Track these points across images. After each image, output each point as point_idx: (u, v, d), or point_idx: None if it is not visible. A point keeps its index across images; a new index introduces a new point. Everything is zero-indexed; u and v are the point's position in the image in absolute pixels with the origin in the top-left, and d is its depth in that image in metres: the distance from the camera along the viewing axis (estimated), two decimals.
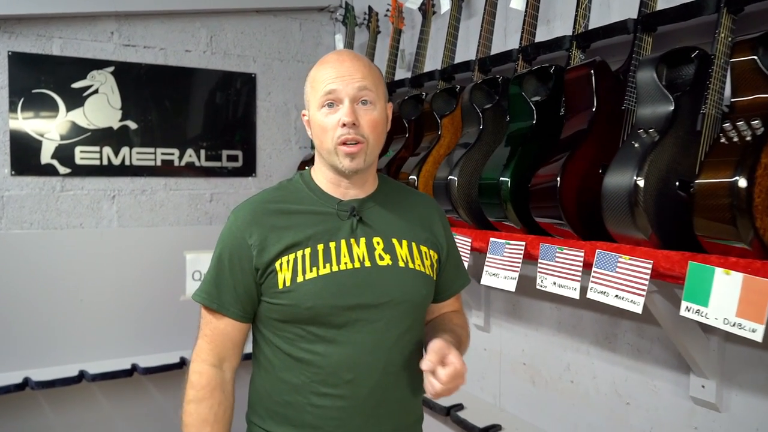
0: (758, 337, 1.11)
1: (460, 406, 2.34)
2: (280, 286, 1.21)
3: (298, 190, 1.29)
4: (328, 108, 1.21)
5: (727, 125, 1.20)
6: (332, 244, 1.22)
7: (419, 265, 1.28)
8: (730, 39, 1.35)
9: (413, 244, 1.29)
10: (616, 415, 1.88)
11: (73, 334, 2.76)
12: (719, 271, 1.18)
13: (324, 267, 1.21)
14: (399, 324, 1.25)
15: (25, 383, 2.57)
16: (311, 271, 1.20)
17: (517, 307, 2.26)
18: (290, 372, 1.24)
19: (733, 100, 1.24)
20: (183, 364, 2.81)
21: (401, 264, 1.25)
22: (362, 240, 1.24)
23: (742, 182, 1.12)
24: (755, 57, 1.19)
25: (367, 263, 1.23)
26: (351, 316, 1.21)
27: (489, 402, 2.37)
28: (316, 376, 1.22)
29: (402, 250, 1.27)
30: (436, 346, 1.16)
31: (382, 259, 1.24)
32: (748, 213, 1.11)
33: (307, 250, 1.21)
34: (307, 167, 1.36)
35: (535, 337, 2.18)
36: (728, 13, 1.36)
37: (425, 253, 1.30)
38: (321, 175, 1.28)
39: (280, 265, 1.21)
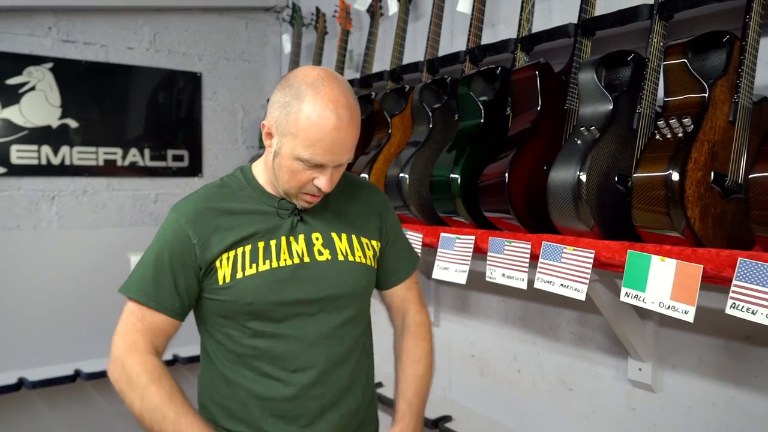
0: (690, 318, 1.20)
1: None
2: (220, 282, 1.22)
3: (240, 188, 1.29)
4: (306, 164, 1.17)
5: (661, 123, 1.29)
6: (272, 242, 1.24)
7: (360, 257, 1.31)
8: (662, 44, 1.45)
9: (353, 236, 1.32)
10: (560, 402, 1.97)
11: (12, 339, 2.65)
12: (655, 259, 1.27)
13: (263, 264, 1.22)
14: (339, 316, 1.29)
15: None
16: (251, 267, 1.22)
17: (466, 302, 2.33)
18: (235, 367, 1.26)
19: (666, 99, 1.34)
20: None
21: (341, 258, 1.29)
22: (301, 236, 1.27)
23: (675, 175, 1.21)
24: (685, 60, 1.29)
25: (306, 259, 1.26)
26: (291, 311, 1.24)
27: (439, 395, 2.43)
28: (259, 371, 1.24)
29: (342, 244, 1.30)
30: None
31: (321, 254, 1.27)
32: (681, 204, 1.20)
33: (248, 248, 1.23)
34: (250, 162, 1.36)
35: (483, 330, 2.26)
36: (660, 19, 1.46)
37: (366, 244, 1.34)
38: (263, 173, 1.29)
39: (221, 261, 1.22)
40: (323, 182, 1.18)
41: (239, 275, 1.21)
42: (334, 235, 1.30)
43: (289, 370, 1.24)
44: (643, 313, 1.67)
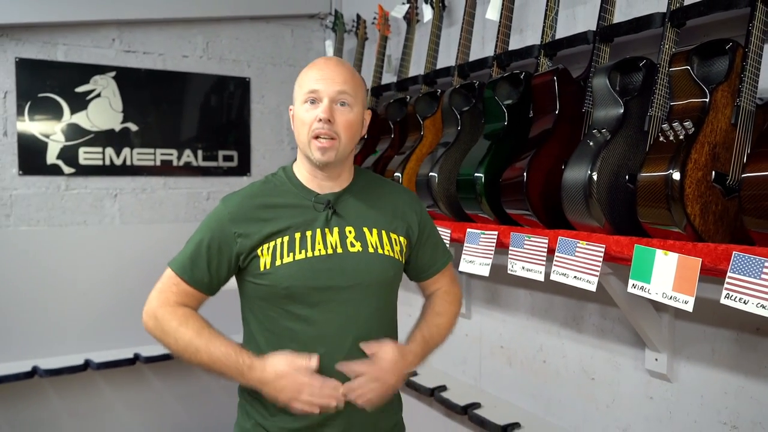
0: (689, 307, 1.29)
1: (443, 387, 2.51)
2: (261, 268, 1.37)
3: (281, 184, 1.45)
4: (309, 104, 1.36)
5: (665, 126, 1.38)
6: (308, 233, 1.39)
7: (388, 251, 1.45)
8: (673, 49, 1.53)
9: (383, 231, 1.45)
10: (582, 390, 2.06)
11: (79, 325, 2.92)
12: (659, 252, 1.36)
13: (300, 253, 1.37)
14: (368, 304, 1.42)
15: (34, 371, 2.73)
16: (288, 256, 1.37)
17: (495, 295, 2.44)
18: (272, 348, 1.40)
19: (671, 103, 1.42)
20: None
21: (371, 250, 1.42)
22: (335, 229, 1.41)
23: (676, 175, 1.30)
24: (689, 67, 1.38)
25: (339, 250, 1.39)
26: (323, 297, 1.38)
27: (470, 384, 2.55)
28: (293, 351, 1.38)
29: (372, 238, 1.43)
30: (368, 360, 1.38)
31: (353, 246, 1.41)
32: (681, 201, 1.29)
33: (286, 238, 1.37)
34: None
35: (511, 322, 2.36)
36: (672, 27, 1.54)
37: (395, 239, 1.47)
38: (300, 169, 1.45)
39: (262, 250, 1.37)
40: (322, 108, 1.35)
41: (278, 263, 1.37)
42: (365, 229, 1.44)
43: (319, 353, 1.37)
44: (659, 306, 1.74)
